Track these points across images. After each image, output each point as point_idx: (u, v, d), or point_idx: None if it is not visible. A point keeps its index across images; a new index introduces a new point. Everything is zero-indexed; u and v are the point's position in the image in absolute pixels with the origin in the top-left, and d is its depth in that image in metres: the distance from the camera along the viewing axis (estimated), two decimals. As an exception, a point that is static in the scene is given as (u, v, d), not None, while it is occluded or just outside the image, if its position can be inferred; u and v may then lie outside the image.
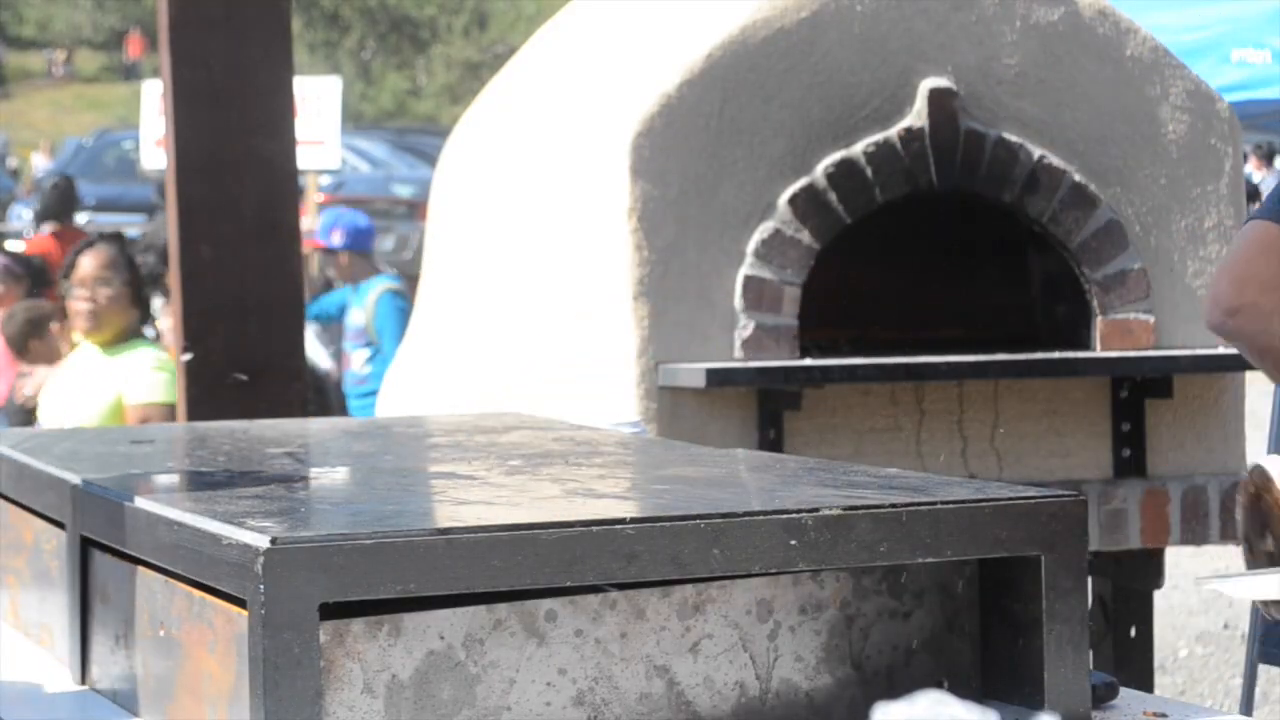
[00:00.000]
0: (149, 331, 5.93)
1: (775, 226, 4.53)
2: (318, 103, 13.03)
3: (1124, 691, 2.10)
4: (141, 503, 2.00)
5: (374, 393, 6.76)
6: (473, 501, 2.02)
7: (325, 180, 18.39)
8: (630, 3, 5.11)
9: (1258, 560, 1.78)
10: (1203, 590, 8.32)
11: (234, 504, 1.97)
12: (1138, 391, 4.76)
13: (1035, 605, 1.92)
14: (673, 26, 4.77)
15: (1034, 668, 1.92)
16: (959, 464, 4.69)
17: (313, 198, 13.53)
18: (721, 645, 1.87)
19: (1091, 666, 2.00)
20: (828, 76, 4.61)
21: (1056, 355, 4.74)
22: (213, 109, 4.24)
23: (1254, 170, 17.22)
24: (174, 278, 4.32)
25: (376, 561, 1.71)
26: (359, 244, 9.10)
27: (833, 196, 4.57)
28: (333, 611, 1.72)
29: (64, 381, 5.82)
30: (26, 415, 6.45)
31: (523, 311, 4.80)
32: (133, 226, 16.42)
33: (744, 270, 4.52)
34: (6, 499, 2.55)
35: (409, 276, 11.10)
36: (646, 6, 5.01)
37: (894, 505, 1.90)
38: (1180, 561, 8.34)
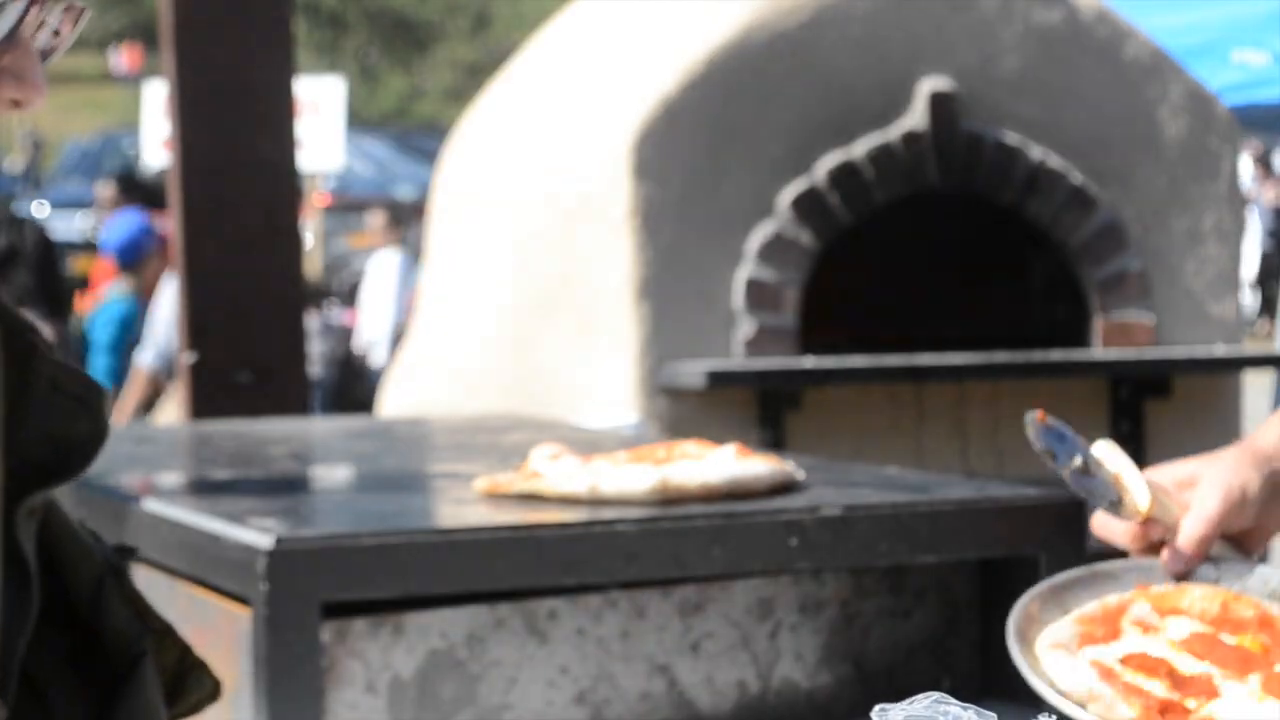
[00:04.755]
0: None
1: (776, 227, 4.54)
2: (321, 104, 13.02)
3: (1122, 690, 2.10)
4: (145, 502, 2.01)
5: None
6: (474, 501, 2.03)
7: (328, 182, 18.38)
8: (631, 4, 5.12)
9: None
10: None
11: (237, 503, 1.97)
12: (1137, 391, 4.77)
13: (1034, 605, 1.92)
14: (673, 28, 4.78)
15: (1033, 667, 1.92)
16: (959, 463, 4.69)
17: (314, 199, 13.53)
18: (722, 644, 1.88)
19: (1090, 665, 2.00)
20: (828, 78, 4.62)
21: (1056, 355, 4.75)
22: (216, 112, 4.25)
23: (1259, 180, 17.12)
24: (179, 279, 4.33)
25: (378, 561, 1.71)
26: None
27: (833, 198, 4.58)
28: (335, 610, 1.73)
29: None
30: None
31: (524, 312, 4.81)
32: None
33: (744, 271, 4.52)
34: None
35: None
36: (647, 8, 5.01)
37: (894, 505, 1.91)
38: (1181, 562, 8.33)
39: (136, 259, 8.86)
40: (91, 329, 8.95)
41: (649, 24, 4.92)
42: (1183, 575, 1.68)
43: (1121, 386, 4.78)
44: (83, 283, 11.41)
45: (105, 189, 10.64)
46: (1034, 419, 1.70)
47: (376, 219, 12.96)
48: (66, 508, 1.24)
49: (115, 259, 8.94)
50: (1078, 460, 1.69)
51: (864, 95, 4.64)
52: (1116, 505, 1.69)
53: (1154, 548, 1.72)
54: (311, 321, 9.48)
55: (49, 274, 6.38)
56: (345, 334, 11.14)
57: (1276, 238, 16.26)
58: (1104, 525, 1.73)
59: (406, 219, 12.97)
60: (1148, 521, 1.70)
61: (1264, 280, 14.73)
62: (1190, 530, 1.68)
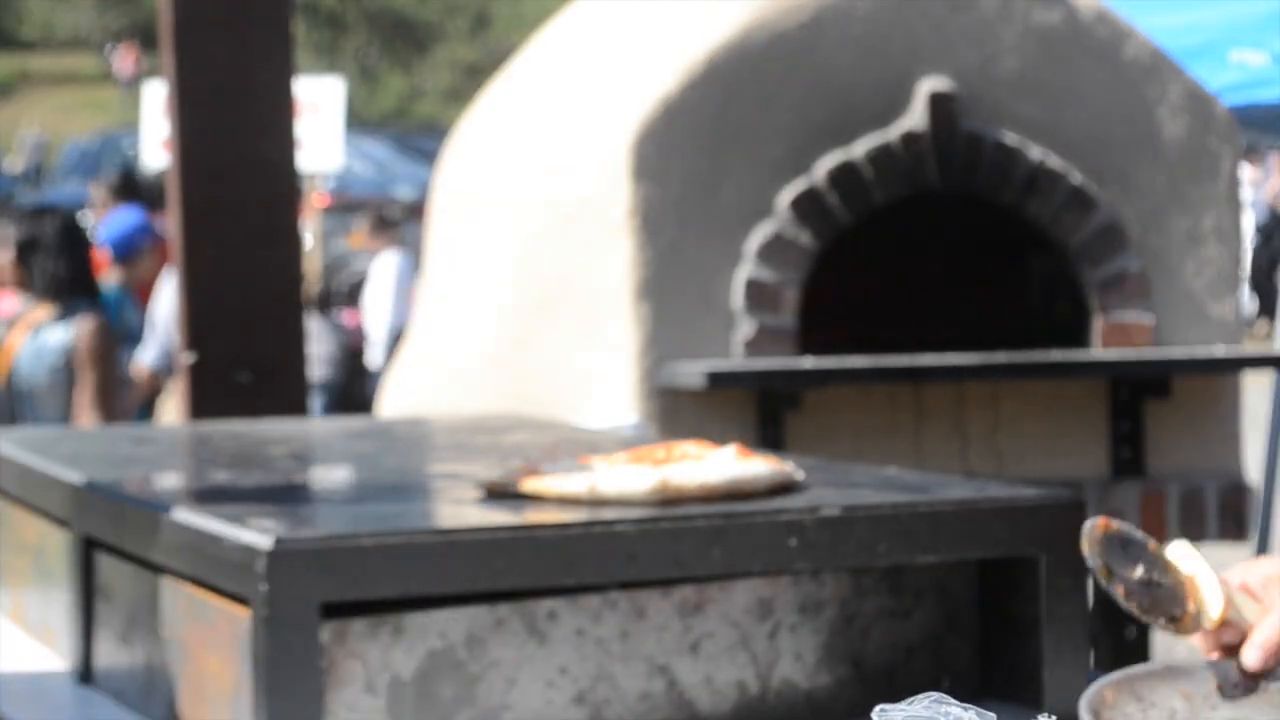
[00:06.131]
0: None
1: (775, 228, 4.54)
2: (320, 104, 13.04)
3: (1122, 691, 2.10)
4: (144, 503, 2.01)
5: None
6: (474, 502, 2.03)
7: (327, 182, 18.40)
8: (631, 4, 5.12)
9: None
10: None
11: (236, 504, 1.97)
12: (1136, 392, 4.78)
13: (1034, 605, 1.92)
14: (673, 28, 4.78)
15: (1033, 668, 1.93)
16: (959, 463, 4.70)
17: (314, 199, 13.54)
18: (722, 644, 1.88)
19: (1091, 666, 2.01)
20: (828, 78, 4.62)
21: (1056, 356, 4.75)
22: (216, 112, 4.26)
23: (1277, 173, 17.04)
24: (178, 279, 4.33)
25: (378, 561, 1.72)
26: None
27: (833, 198, 4.58)
28: (334, 611, 1.73)
29: None
30: None
31: (524, 312, 4.81)
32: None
33: (744, 271, 4.53)
34: (10, 498, 2.56)
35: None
36: (647, 8, 5.01)
37: (894, 505, 1.91)
38: (1180, 562, 8.34)
39: (129, 254, 8.88)
40: None
41: (649, 24, 4.92)
42: (1258, 675, 1.68)
43: (1121, 387, 4.78)
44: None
45: (99, 189, 10.69)
46: (1094, 528, 1.69)
47: (363, 222, 12.98)
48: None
49: (110, 253, 8.98)
50: (1139, 571, 1.69)
51: (864, 95, 4.65)
52: (1176, 620, 1.69)
53: (1228, 649, 1.72)
54: (315, 323, 9.50)
55: (76, 259, 6.48)
56: (347, 334, 11.16)
57: (1264, 234, 16.21)
58: None
59: (398, 221, 12.98)
60: (1222, 625, 1.70)
61: (1256, 280, 14.60)
62: (1269, 633, 1.67)
